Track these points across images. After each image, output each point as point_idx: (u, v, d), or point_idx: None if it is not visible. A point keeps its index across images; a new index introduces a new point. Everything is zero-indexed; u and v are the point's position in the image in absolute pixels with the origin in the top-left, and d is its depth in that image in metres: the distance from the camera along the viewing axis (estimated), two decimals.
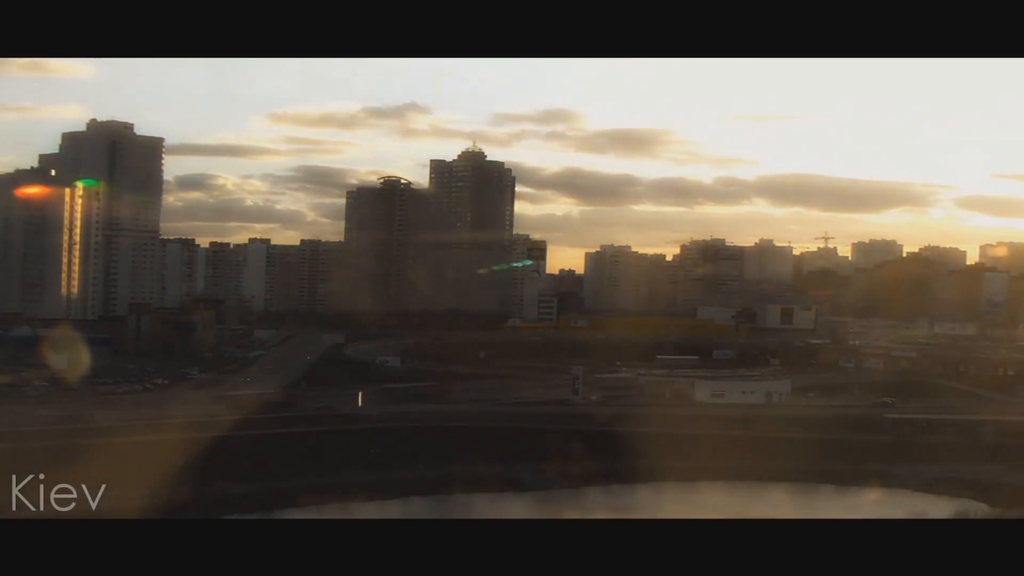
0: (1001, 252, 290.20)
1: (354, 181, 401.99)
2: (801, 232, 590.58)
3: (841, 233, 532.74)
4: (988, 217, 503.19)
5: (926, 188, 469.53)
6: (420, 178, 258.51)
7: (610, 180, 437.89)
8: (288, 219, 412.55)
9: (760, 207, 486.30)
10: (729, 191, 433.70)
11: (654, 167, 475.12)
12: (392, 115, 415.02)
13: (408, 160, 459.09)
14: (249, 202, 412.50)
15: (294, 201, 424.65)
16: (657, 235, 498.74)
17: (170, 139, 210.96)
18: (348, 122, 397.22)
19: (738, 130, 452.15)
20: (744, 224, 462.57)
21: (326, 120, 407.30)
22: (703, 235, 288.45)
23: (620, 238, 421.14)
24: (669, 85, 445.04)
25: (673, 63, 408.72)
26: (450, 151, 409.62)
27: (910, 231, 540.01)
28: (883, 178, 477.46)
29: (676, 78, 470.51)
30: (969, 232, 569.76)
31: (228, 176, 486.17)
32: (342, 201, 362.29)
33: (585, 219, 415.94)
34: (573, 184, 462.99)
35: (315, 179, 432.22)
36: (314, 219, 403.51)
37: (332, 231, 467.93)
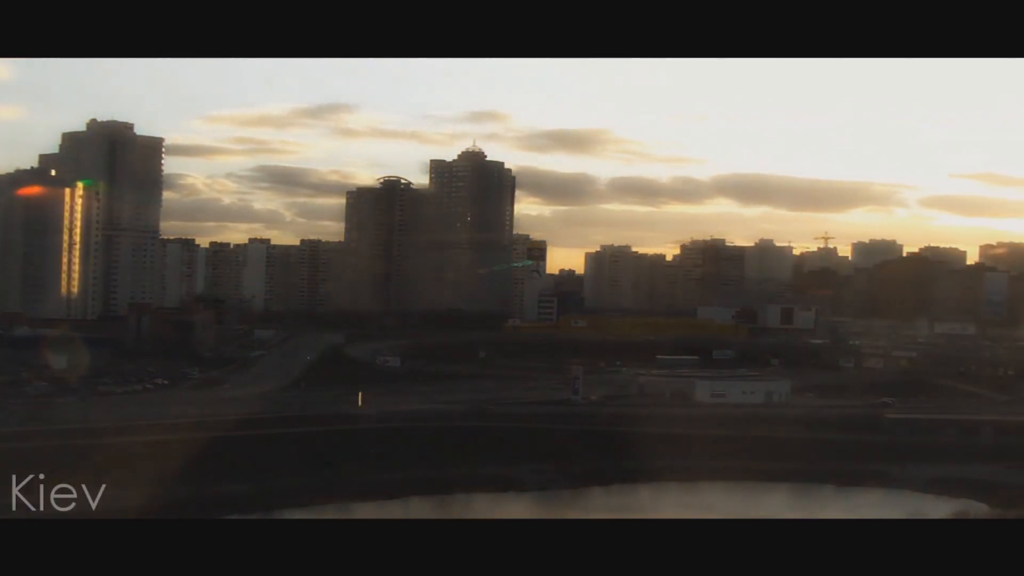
0: (1001, 252, 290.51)
1: (316, 181, 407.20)
2: (772, 231, 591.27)
3: (806, 232, 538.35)
4: (955, 216, 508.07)
5: (889, 188, 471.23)
6: (371, 176, 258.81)
7: (569, 179, 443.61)
8: (267, 219, 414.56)
9: (727, 207, 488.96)
10: (690, 190, 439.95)
11: (599, 166, 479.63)
12: (322, 115, 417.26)
13: (359, 159, 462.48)
14: (226, 202, 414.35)
15: (266, 201, 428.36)
16: (631, 234, 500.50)
17: None
18: (283, 122, 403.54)
19: (680, 129, 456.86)
20: (711, 223, 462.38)
21: (263, 121, 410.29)
22: (683, 234, 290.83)
23: (598, 236, 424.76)
24: (594, 84, 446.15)
25: (599, 62, 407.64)
26: (391, 151, 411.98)
27: (877, 230, 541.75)
28: (843, 178, 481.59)
29: (600, 77, 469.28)
30: (934, 232, 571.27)
31: (196, 176, 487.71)
32: (314, 201, 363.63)
33: (559, 218, 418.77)
34: (534, 184, 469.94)
35: (279, 179, 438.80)
36: (292, 219, 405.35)
37: (314, 230, 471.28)
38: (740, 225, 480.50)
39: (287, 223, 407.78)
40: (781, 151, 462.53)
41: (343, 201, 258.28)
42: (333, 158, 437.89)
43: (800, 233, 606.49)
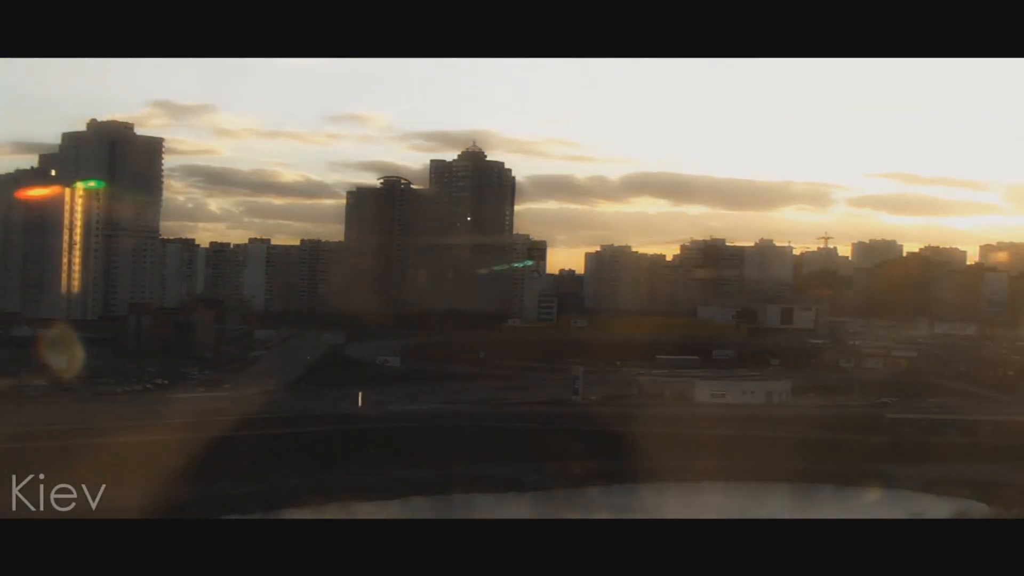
0: (1001, 253, 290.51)
1: (242, 180, 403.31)
2: (715, 228, 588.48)
3: (740, 229, 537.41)
4: (885, 215, 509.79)
5: (813, 187, 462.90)
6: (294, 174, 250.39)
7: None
8: (224, 218, 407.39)
9: (662, 207, 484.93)
10: (605, 188, 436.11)
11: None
12: (183, 116, 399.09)
13: (271, 159, 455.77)
14: (181, 199, 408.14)
15: (210, 199, 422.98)
16: (590, 233, 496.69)
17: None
18: (155, 123, 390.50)
19: (570, 128, 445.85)
20: (645, 221, 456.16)
21: (137, 121, 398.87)
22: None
23: (563, 237, 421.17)
24: (468, 85, 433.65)
25: (473, 62, 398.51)
26: (286, 151, 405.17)
27: (812, 226, 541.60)
28: (760, 178, 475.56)
29: (475, 77, 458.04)
30: (867, 229, 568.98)
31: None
32: (257, 200, 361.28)
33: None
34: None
35: (208, 179, 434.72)
36: (249, 219, 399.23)
37: (276, 230, 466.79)
38: (683, 222, 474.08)
39: (245, 223, 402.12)
40: (685, 151, 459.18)
41: (287, 201, 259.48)
42: (243, 158, 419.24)
43: (736, 231, 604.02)
